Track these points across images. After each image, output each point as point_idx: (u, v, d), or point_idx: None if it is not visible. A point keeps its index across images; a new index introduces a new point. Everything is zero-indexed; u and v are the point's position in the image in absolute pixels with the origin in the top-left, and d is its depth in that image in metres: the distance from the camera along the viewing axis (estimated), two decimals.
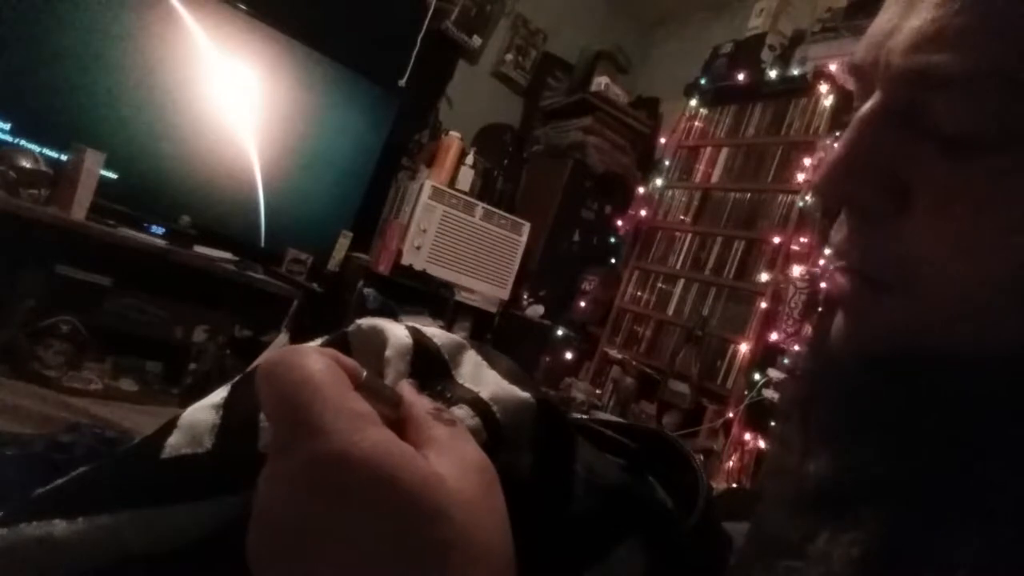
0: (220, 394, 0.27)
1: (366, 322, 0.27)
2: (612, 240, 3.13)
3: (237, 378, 0.28)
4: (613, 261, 3.10)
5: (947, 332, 0.26)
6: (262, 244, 2.47)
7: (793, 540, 0.26)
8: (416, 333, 0.28)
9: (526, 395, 0.27)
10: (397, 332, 0.27)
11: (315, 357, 0.22)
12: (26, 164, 1.88)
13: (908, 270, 0.26)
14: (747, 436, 2.13)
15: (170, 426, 0.27)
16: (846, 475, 0.26)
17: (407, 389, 0.25)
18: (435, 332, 0.29)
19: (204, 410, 0.27)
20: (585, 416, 0.35)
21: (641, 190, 3.05)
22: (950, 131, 0.25)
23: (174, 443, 0.26)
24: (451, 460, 0.21)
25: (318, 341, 0.28)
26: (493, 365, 0.28)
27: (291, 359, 0.22)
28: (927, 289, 0.26)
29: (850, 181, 0.27)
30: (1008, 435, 0.24)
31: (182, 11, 2.18)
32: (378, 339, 0.27)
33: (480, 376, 0.28)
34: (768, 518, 0.29)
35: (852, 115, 0.28)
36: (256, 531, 0.21)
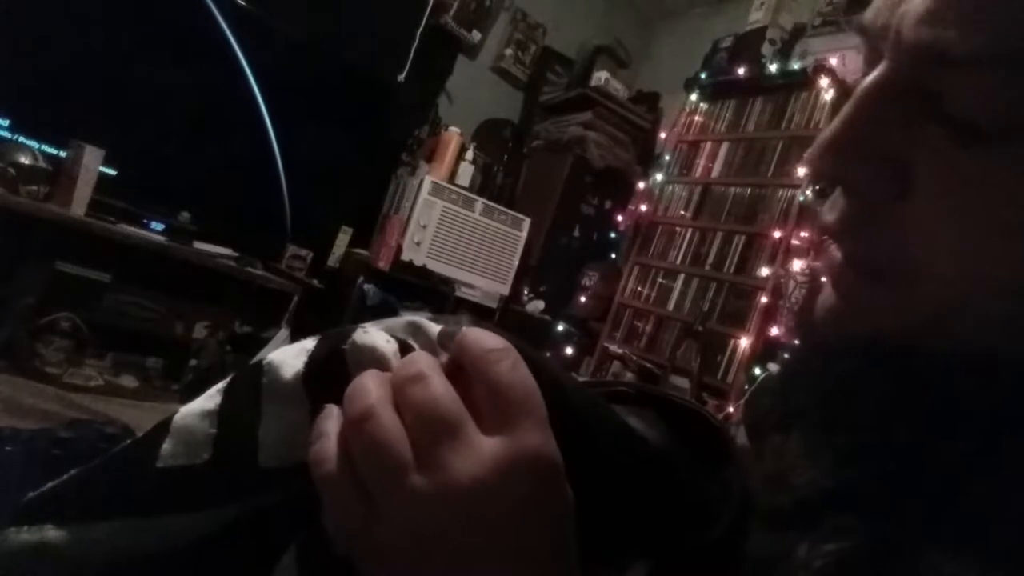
0: (213, 400, 0.27)
1: (361, 339, 0.26)
2: (612, 235, 3.12)
3: (227, 383, 0.27)
4: (613, 256, 3.10)
5: (941, 329, 0.24)
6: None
7: (778, 555, 0.24)
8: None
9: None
10: (391, 351, 0.27)
11: (521, 358, 0.25)
12: (25, 161, 1.87)
13: (905, 261, 0.24)
14: None
15: (162, 430, 0.26)
16: (828, 482, 0.24)
17: None
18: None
19: (198, 417, 0.26)
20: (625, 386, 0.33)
21: (641, 185, 3.05)
22: (960, 116, 0.23)
23: (169, 451, 0.25)
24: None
25: (308, 345, 0.27)
26: None
27: (512, 354, 0.24)
28: (924, 283, 0.24)
29: (848, 160, 0.25)
30: (998, 446, 0.22)
31: (179, 6, 2.17)
32: (375, 358, 0.26)
33: None
34: (754, 539, 0.27)
35: (861, 79, 0.26)
36: (430, 504, 0.22)
